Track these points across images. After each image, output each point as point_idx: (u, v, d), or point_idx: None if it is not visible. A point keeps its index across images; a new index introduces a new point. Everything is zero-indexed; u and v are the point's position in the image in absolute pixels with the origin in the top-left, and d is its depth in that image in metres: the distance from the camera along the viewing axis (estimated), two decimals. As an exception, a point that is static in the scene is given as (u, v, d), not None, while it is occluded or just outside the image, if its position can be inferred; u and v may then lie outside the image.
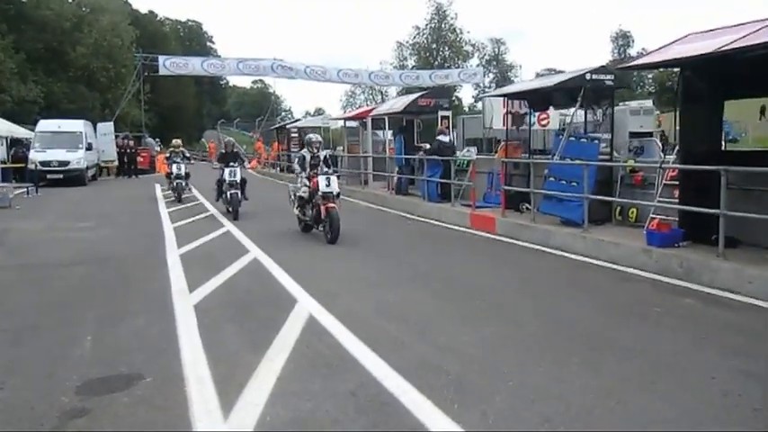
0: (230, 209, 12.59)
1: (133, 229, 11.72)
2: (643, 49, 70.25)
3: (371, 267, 7.96)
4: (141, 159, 30.21)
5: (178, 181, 16.58)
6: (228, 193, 12.64)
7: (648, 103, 23.42)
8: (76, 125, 24.97)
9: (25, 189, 19.34)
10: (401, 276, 7.39)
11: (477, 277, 7.36)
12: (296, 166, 10.43)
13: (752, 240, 7.27)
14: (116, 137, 29.37)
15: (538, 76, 41.07)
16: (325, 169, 10.10)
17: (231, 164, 13.07)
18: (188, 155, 17.76)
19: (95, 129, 27.91)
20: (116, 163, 29.06)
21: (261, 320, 5.47)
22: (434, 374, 4.15)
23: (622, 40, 72.50)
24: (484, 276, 7.45)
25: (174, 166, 16.72)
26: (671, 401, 3.72)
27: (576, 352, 4.56)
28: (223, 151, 13.99)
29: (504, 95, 13.11)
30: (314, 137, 10.82)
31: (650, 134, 18.13)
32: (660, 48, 8.24)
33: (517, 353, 4.61)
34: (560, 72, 25.70)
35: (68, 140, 23.58)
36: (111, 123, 30.11)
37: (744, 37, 6.74)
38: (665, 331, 5.12)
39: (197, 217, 13.12)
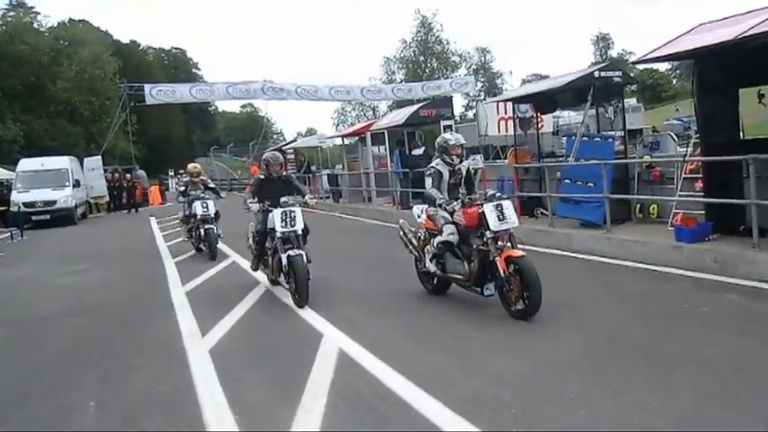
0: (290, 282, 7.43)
1: (131, 268, 11.00)
2: (623, 50, 71.53)
3: (387, 288, 7.48)
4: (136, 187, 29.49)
5: (208, 227, 10.85)
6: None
7: (634, 101, 23.59)
8: (61, 162, 24.20)
9: (9, 233, 18.30)
10: (417, 295, 6.94)
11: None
12: (431, 190, 6.35)
13: None
14: (105, 171, 28.81)
15: (524, 82, 40.98)
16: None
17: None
18: (212, 185, 11.93)
19: (82, 164, 27.25)
20: (107, 198, 28.39)
21: (287, 362, 4.98)
22: (493, 408, 3.71)
23: (603, 42, 73.69)
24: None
25: (198, 204, 11.01)
26: (764, 417, 3.33)
27: (638, 369, 4.16)
28: (262, 177, 7.97)
29: (510, 99, 12.83)
30: (452, 138, 6.56)
31: (641, 131, 18.29)
32: (672, 40, 8.14)
33: (576, 376, 4.16)
34: (545, 77, 25.73)
35: (53, 178, 22.77)
36: (99, 158, 29.34)
37: (760, 23, 6.63)
38: (722, 334, 4.79)
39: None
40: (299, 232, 6.98)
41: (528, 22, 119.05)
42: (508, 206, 5.84)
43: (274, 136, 74.90)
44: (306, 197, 7.84)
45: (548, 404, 3.75)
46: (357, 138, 20.87)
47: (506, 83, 64.66)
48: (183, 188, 11.76)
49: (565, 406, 3.69)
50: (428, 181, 6.40)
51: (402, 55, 60.16)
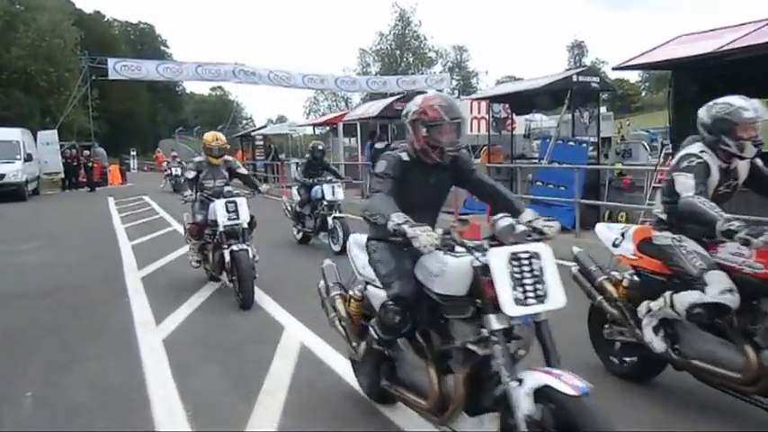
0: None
1: (84, 250, 10.45)
2: (597, 58, 72.79)
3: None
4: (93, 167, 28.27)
5: (238, 249, 6.32)
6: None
7: (604, 109, 23.90)
8: (12, 134, 22.82)
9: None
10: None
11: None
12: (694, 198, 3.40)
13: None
14: (61, 146, 27.60)
15: (498, 83, 41.22)
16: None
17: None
18: (244, 170, 7.59)
19: (36, 138, 25.91)
20: (62, 175, 27.26)
21: (245, 356, 4.72)
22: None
23: (577, 49, 74.79)
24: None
25: (220, 207, 6.48)
26: None
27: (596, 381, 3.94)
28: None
29: (487, 98, 12.74)
30: (748, 107, 3.53)
31: (609, 139, 18.64)
32: (652, 49, 8.25)
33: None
34: (520, 79, 25.86)
35: (2, 151, 21.40)
36: (54, 132, 27.72)
37: (739, 39, 6.79)
38: None
39: (158, 233, 12.11)
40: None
41: (505, 24, 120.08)
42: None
43: (244, 121, 73.79)
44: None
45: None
46: (329, 128, 20.57)
47: (482, 82, 65.05)
48: (191, 173, 6.99)
49: None
50: (686, 179, 3.38)
51: (378, 48, 59.97)
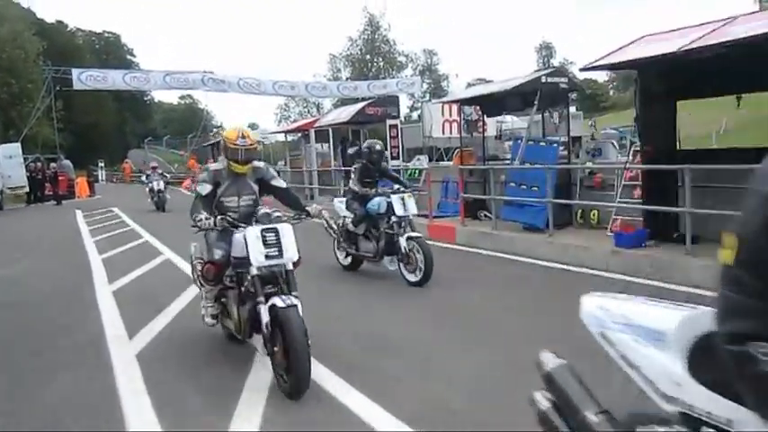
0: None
1: (52, 264, 10.24)
2: (564, 58, 73.88)
3: (329, 288, 7.21)
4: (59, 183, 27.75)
5: (285, 307, 4.03)
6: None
7: (573, 109, 24.36)
8: None
9: None
10: (370, 294, 6.71)
11: (450, 292, 6.79)
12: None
13: (710, 236, 7.29)
14: (25, 160, 26.94)
15: (469, 85, 41.47)
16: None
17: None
18: (281, 182, 5.13)
19: None
20: (26, 189, 26.56)
21: (222, 368, 4.63)
22: (442, 417, 3.56)
23: (546, 50, 75.82)
24: (458, 291, 6.88)
25: (252, 236, 4.34)
26: None
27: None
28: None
29: (458, 101, 12.81)
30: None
31: (580, 138, 18.98)
32: (618, 49, 8.37)
33: (523, 380, 4.05)
34: (490, 81, 26.16)
35: None
36: (18, 145, 27.07)
37: (701, 38, 6.89)
38: None
39: (129, 245, 11.88)
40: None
41: (474, 26, 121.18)
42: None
43: (214, 129, 73.02)
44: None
45: (493, 407, 3.62)
46: (300, 134, 20.46)
47: (452, 85, 65.38)
48: (206, 188, 4.74)
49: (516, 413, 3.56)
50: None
51: (348, 53, 59.87)
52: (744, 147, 11.49)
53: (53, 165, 27.72)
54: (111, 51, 69.72)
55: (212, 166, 4.95)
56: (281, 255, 4.29)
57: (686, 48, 6.85)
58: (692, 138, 23.05)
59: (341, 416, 3.67)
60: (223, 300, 4.92)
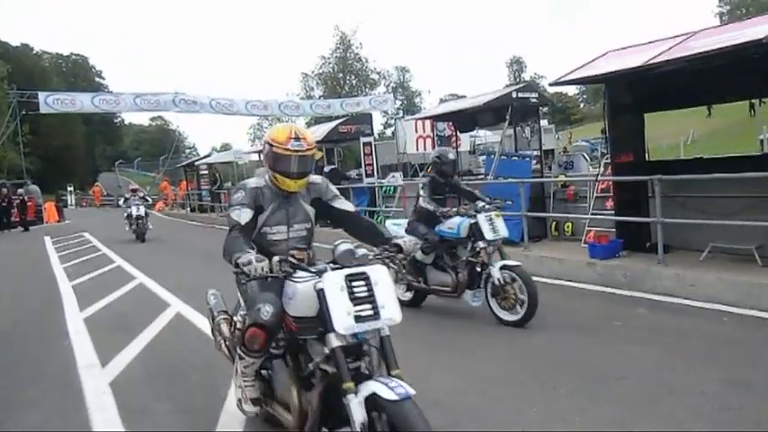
0: None
1: (19, 292, 9.94)
2: (535, 73, 75.21)
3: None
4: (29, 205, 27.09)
5: (396, 400, 2.52)
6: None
7: (545, 122, 24.76)
8: None
9: None
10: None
11: (429, 306, 6.75)
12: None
13: (680, 245, 7.60)
14: None
15: (442, 101, 41.87)
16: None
17: None
18: (347, 204, 3.63)
19: None
20: None
21: (199, 392, 4.54)
22: None
23: (516, 65, 77.09)
24: (440, 303, 6.78)
25: (332, 286, 2.75)
26: (682, 426, 3.48)
27: (561, 382, 4.22)
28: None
29: (430, 117, 12.90)
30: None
31: (552, 151, 19.24)
32: (585, 64, 8.54)
33: (503, 392, 4.14)
34: (462, 97, 26.44)
35: None
36: None
37: (664, 52, 7.05)
38: (636, 346, 4.97)
39: (100, 271, 11.61)
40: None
41: (446, 43, 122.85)
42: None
43: (187, 150, 72.39)
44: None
45: (475, 420, 3.67)
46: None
47: (425, 101, 65.97)
48: (246, 214, 3.30)
49: (493, 422, 3.65)
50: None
51: (321, 71, 60.01)
52: (711, 156, 11.79)
53: (20, 191, 27.12)
54: (78, 74, 68.97)
55: (250, 182, 3.47)
56: (377, 315, 2.76)
57: (650, 62, 6.99)
58: (661, 148, 23.59)
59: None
60: (264, 372, 3.50)
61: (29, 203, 26.78)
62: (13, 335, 6.94)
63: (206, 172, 27.23)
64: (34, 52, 62.12)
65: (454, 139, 12.20)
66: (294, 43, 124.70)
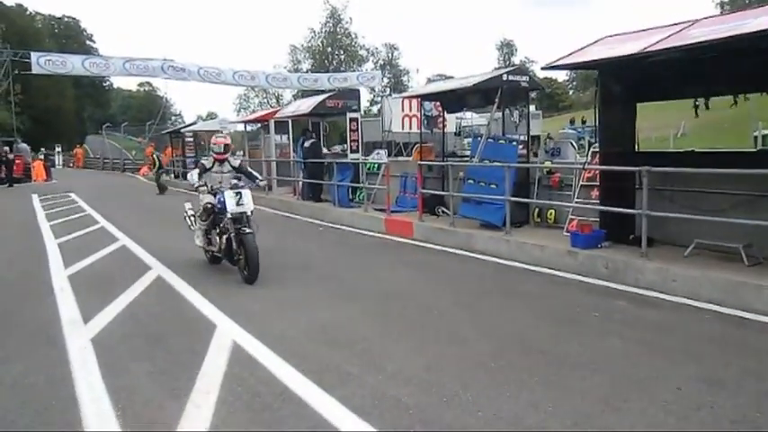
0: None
1: (6, 248, 10.02)
2: (526, 57, 74.92)
3: (291, 283, 7.19)
4: (15, 167, 27.05)
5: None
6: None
7: (533, 108, 24.70)
8: None
9: None
10: (325, 292, 6.68)
11: (406, 288, 6.82)
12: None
13: (665, 239, 7.47)
14: None
15: (429, 81, 41.66)
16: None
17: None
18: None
19: None
20: None
21: (177, 354, 4.63)
22: (394, 410, 3.60)
23: (507, 48, 76.63)
24: (413, 286, 6.91)
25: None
26: (653, 421, 3.45)
27: (534, 371, 4.19)
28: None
29: (418, 96, 12.84)
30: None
31: (538, 137, 19.26)
32: (579, 49, 8.22)
33: (474, 376, 4.13)
34: (450, 78, 26.28)
35: None
36: None
37: (662, 40, 6.84)
38: (613, 339, 4.89)
39: (86, 230, 11.61)
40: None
41: (435, 22, 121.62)
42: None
43: (173, 117, 71.53)
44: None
45: (447, 405, 3.69)
46: (260, 125, 20.22)
47: (413, 80, 65.52)
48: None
49: (467, 408, 3.64)
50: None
51: (309, 44, 59.38)
52: (701, 150, 11.61)
53: (5, 148, 26.85)
54: (70, 36, 68.07)
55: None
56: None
57: (647, 50, 6.71)
58: (650, 140, 23.60)
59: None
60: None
61: (17, 161, 26.61)
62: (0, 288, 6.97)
63: (191, 139, 26.99)
64: (28, 13, 61.17)
65: (441, 119, 12.17)
66: (283, 15, 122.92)
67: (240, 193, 7.19)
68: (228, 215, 7.12)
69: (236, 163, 7.96)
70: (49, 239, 10.62)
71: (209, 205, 7.55)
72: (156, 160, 22.34)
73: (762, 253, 6.52)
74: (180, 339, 4.99)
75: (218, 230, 7.53)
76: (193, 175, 7.61)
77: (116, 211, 14.70)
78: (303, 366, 4.26)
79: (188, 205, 8.63)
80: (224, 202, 7.16)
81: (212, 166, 7.74)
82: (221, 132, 8.40)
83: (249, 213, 7.20)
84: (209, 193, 7.61)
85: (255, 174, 8.23)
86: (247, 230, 7.04)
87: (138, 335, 5.14)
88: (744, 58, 6.50)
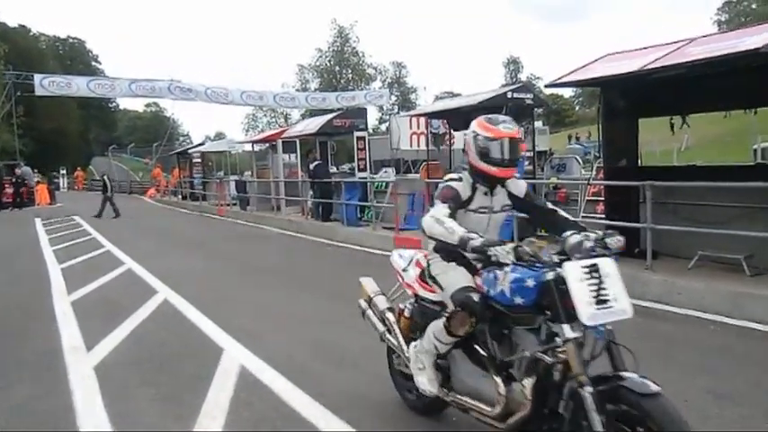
0: None
1: (8, 273, 9.94)
2: (532, 74, 75.23)
3: (300, 302, 7.12)
4: (22, 190, 27.20)
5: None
6: None
7: (539, 124, 24.82)
8: None
9: None
10: (335, 310, 6.57)
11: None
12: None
13: (669, 251, 7.55)
14: None
15: (437, 98, 41.90)
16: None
17: None
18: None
19: None
20: None
21: (182, 379, 4.55)
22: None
23: (513, 65, 76.96)
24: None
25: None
26: None
27: None
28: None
29: (425, 114, 12.89)
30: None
31: (545, 152, 19.36)
32: (582, 67, 8.46)
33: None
34: (458, 95, 26.44)
35: None
36: None
37: (661, 57, 7.01)
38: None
39: (90, 255, 11.58)
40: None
41: (443, 40, 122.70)
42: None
43: (181, 138, 72.06)
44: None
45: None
46: (267, 145, 20.32)
47: (420, 98, 65.85)
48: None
49: None
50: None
51: (317, 64, 59.88)
52: (704, 164, 11.76)
53: (17, 171, 27.03)
54: (75, 57, 68.48)
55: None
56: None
57: (647, 67, 6.94)
58: (655, 154, 23.66)
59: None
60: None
61: (24, 185, 26.81)
62: (1, 315, 6.93)
63: (199, 160, 27.16)
64: (32, 34, 61.66)
65: (448, 136, 12.20)
66: (291, 35, 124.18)
67: (598, 267, 2.67)
68: (570, 333, 2.64)
69: (520, 190, 3.42)
70: (51, 264, 10.57)
71: (474, 298, 3.01)
72: (108, 182, 21.16)
73: (763, 264, 6.61)
74: (186, 364, 4.91)
75: (490, 362, 3.05)
76: (442, 218, 3.02)
77: (122, 233, 14.69)
78: (309, 387, 4.19)
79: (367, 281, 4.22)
80: (537, 288, 2.76)
81: (473, 195, 3.29)
82: (500, 117, 3.42)
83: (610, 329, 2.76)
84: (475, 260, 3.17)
85: (569, 216, 3.46)
86: (650, 386, 2.52)
87: (142, 361, 5.05)
88: (742, 75, 6.59)
